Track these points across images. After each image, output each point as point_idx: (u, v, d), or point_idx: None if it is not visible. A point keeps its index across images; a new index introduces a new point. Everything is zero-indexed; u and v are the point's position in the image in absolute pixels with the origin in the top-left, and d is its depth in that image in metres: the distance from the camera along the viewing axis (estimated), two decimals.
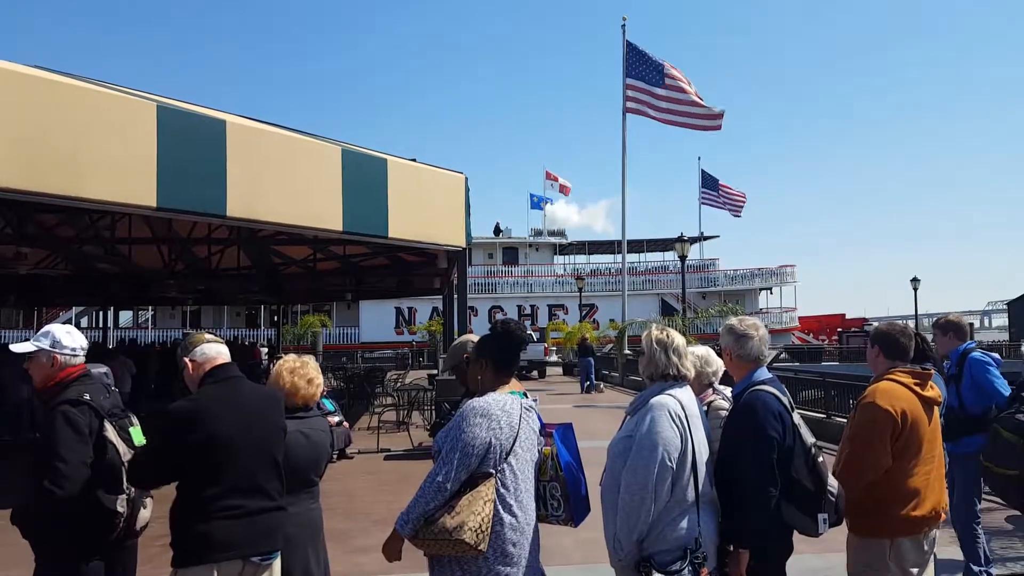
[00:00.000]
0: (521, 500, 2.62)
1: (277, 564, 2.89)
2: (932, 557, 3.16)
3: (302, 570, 3.08)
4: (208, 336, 3.01)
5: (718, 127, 23.18)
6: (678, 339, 2.90)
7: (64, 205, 6.27)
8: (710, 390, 3.64)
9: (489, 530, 2.48)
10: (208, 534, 2.67)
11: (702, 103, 22.90)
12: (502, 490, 2.56)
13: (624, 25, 24.49)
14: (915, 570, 3.03)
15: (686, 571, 2.58)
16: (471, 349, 3.02)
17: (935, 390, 3.16)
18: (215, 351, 2.94)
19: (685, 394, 2.82)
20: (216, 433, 2.72)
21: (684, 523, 2.64)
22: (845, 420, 10.66)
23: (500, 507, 2.55)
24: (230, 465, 2.74)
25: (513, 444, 2.61)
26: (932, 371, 3.22)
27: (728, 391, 3.38)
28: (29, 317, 41.59)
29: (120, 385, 12.24)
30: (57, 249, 14.36)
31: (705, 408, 3.55)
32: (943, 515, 3.13)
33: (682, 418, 2.72)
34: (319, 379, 3.37)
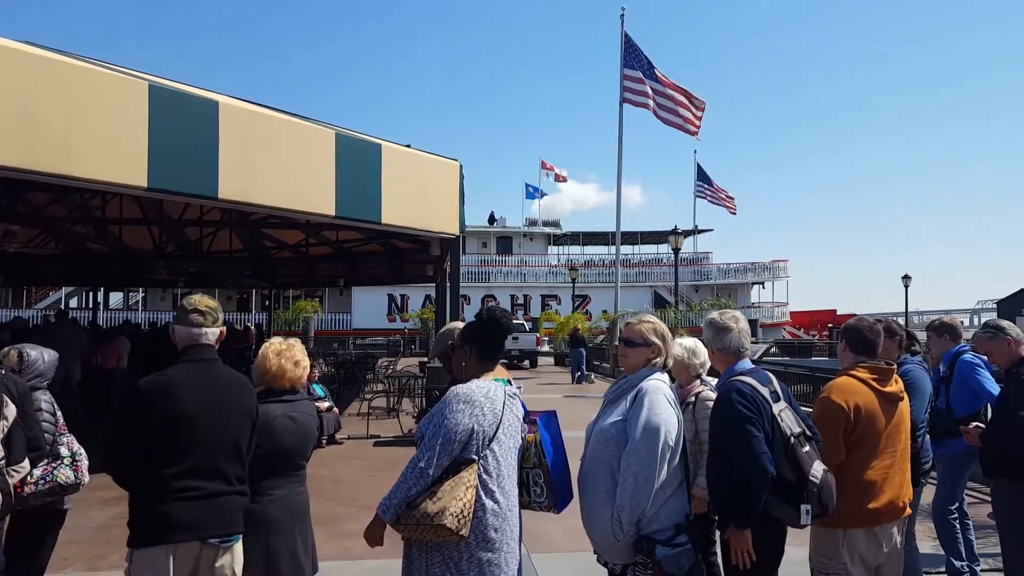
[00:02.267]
0: (503, 486, 2.64)
1: (238, 548, 2.85)
2: (899, 552, 3.19)
3: (289, 553, 3.07)
4: (198, 316, 2.90)
5: (695, 131, 23.36)
6: None
7: (55, 183, 6.22)
8: (698, 381, 3.68)
9: (471, 516, 2.50)
10: (166, 514, 2.64)
11: (687, 103, 23.08)
12: (484, 476, 2.58)
13: (623, 16, 24.42)
14: (872, 562, 3.07)
15: (687, 545, 2.65)
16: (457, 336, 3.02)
17: (897, 385, 3.21)
18: (199, 330, 2.88)
19: (668, 379, 2.91)
20: (179, 409, 2.69)
21: (677, 501, 2.71)
22: None
23: (482, 493, 2.56)
24: (192, 445, 2.71)
25: (496, 431, 2.62)
26: (895, 367, 3.26)
27: (715, 382, 3.42)
28: (19, 296, 41.34)
29: (120, 363, 12.29)
30: (47, 228, 14.25)
31: (693, 399, 3.59)
32: (906, 510, 3.17)
33: (673, 400, 2.81)
34: (305, 362, 3.35)
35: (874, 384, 3.12)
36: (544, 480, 2.85)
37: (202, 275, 20.52)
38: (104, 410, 9.63)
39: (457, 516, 2.45)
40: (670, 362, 2.94)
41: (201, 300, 2.96)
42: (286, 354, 3.24)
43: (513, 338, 27.63)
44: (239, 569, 2.85)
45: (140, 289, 39.92)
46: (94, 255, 16.69)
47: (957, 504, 4.81)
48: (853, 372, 3.17)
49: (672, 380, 3.18)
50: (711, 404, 3.21)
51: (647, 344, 2.88)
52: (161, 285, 29.98)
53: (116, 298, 42.95)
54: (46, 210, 12.77)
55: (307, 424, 3.23)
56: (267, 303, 30.03)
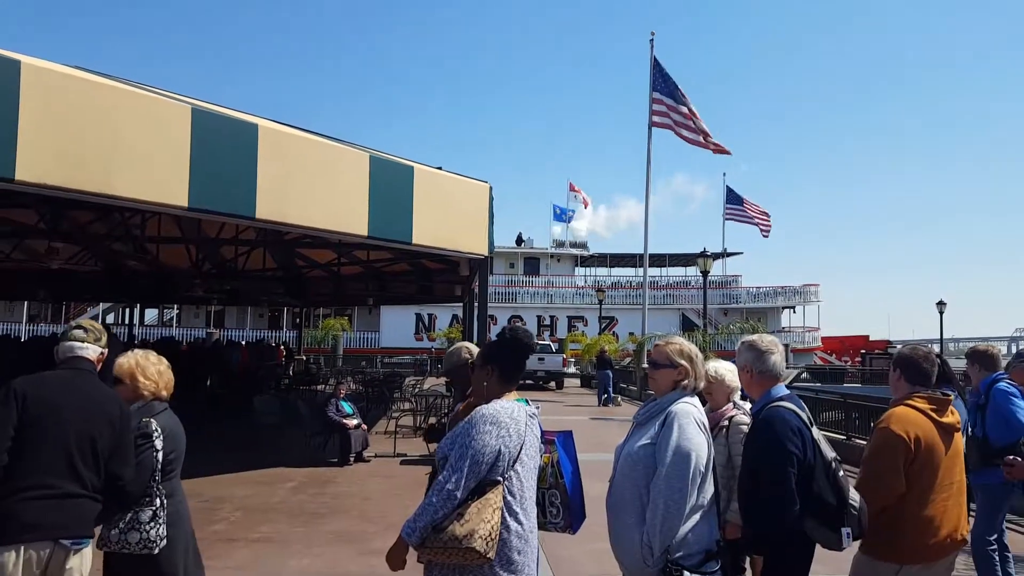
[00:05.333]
0: (526, 508, 2.63)
1: (87, 552, 2.84)
2: None
3: (195, 547, 3.34)
4: (81, 332, 3.05)
5: (727, 152, 23.75)
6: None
7: (98, 202, 6.43)
8: (731, 405, 3.66)
9: (497, 538, 2.48)
10: (17, 513, 2.62)
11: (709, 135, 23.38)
12: (509, 498, 2.56)
13: (652, 40, 24.55)
14: None
15: (718, 572, 2.62)
16: (467, 355, 3.08)
17: (954, 416, 3.13)
18: (73, 347, 3.02)
19: (699, 402, 2.87)
20: (33, 408, 2.72)
21: (706, 526, 2.68)
22: (866, 442, 10.55)
23: (507, 515, 2.54)
24: (47, 443, 2.71)
25: (519, 452, 2.61)
26: (951, 396, 3.18)
27: (748, 406, 3.40)
28: (57, 312, 42.39)
29: None
30: (88, 245, 14.66)
31: (726, 423, 3.57)
32: (962, 542, 3.09)
33: (703, 424, 2.77)
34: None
35: (932, 415, 3.03)
36: (561, 500, 2.86)
37: (236, 293, 20.90)
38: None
39: (486, 539, 2.42)
40: (700, 384, 2.88)
41: (87, 320, 3.15)
42: (164, 368, 3.34)
43: (539, 359, 27.50)
44: (87, 571, 2.86)
45: (175, 306, 40.66)
46: (132, 272, 17.11)
47: (996, 536, 4.70)
48: (911, 402, 3.08)
49: (704, 403, 3.16)
50: (745, 429, 3.18)
51: (673, 365, 2.83)
52: (196, 302, 30.55)
53: (151, 314, 43.80)
54: (88, 228, 13.15)
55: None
56: (298, 321, 30.38)
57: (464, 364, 3.39)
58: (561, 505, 2.87)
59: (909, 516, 2.95)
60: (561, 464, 2.88)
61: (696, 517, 2.66)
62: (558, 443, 2.92)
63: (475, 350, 3.39)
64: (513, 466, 2.59)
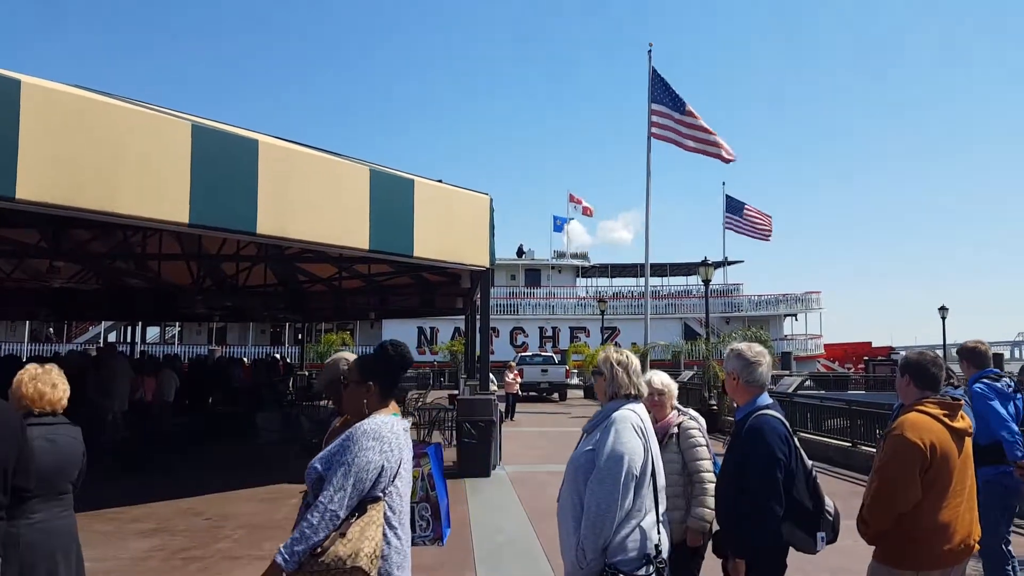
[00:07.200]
0: (404, 523, 2.58)
1: None
2: None
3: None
4: None
5: (733, 158, 23.47)
6: (636, 361, 3.02)
7: (99, 220, 6.43)
8: (675, 412, 3.73)
9: (380, 556, 2.41)
10: None
11: (718, 139, 23.15)
12: (389, 513, 2.50)
13: (650, 51, 24.62)
14: None
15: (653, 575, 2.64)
16: (345, 366, 3.04)
17: (965, 420, 3.10)
18: None
19: (641, 409, 2.92)
20: None
21: (644, 531, 2.70)
22: (870, 449, 10.49)
23: (387, 531, 2.48)
24: None
25: (399, 467, 2.55)
26: (962, 401, 3.16)
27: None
28: (59, 331, 42.39)
29: (166, 396, 12.47)
30: (89, 264, 14.68)
31: (676, 431, 3.65)
32: (975, 547, 3.07)
33: (643, 429, 2.81)
34: (64, 385, 3.30)
35: (945, 420, 3.01)
36: (431, 513, 2.85)
37: (237, 309, 20.89)
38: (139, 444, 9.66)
39: (371, 556, 2.36)
40: (624, 391, 2.90)
41: None
42: (42, 378, 3.23)
43: (542, 371, 27.46)
44: None
45: (176, 323, 40.64)
46: (133, 290, 17.12)
47: (1007, 536, 4.64)
48: (923, 408, 3.05)
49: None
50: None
51: (600, 373, 2.96)
52: (197, 319, 30.52)
53: (153, 332, 43.79)
54: (88, 246, 13.17)
55: (69, 447, 3.21)
56: (299, 336, 30.37)
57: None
58: (431, 518, 2.89)
59: (925, 523, 2.92)
60: (434, 476, 2.88)
61: (633, 522, 2.68)
62: (431, 455, 2.92)
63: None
64: (394, 481, 2.54)
